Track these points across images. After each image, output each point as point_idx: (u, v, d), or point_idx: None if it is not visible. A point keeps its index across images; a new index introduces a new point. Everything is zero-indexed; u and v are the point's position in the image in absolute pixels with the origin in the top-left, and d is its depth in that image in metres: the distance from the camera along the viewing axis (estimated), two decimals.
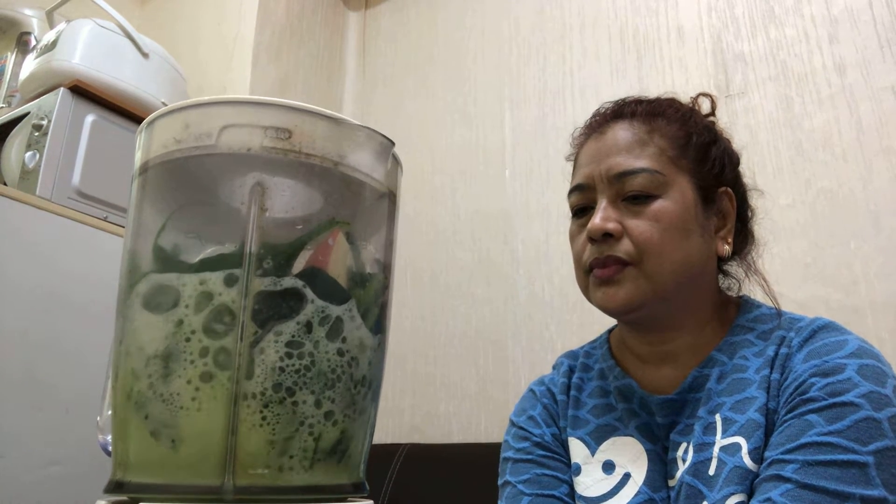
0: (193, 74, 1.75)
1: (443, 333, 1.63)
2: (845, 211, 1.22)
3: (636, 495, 0.66)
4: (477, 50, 1.83)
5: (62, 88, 1.32)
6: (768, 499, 0.54)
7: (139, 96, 1.45)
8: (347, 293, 0.34)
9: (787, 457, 0.56)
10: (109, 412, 0.42)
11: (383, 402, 0.36)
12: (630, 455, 0.70)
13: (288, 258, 0.33)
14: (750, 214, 0.78)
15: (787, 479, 0.55)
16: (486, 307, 1.58)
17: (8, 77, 1.57)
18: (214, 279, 0.32)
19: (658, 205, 0.68)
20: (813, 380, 0.60)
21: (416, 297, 1.69)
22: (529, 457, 0.75)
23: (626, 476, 0.68)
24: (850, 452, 0.54)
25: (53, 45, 1.39)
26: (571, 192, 0.74)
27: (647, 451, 0.69)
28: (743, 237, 0.77)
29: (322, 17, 2.03)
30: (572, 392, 0.78)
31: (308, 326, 0.32)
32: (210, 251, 0.33)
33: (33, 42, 1.58)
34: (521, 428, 0.78)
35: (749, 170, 1.34)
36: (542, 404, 0.79)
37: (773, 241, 1.27)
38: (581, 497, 0.70)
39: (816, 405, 0.58)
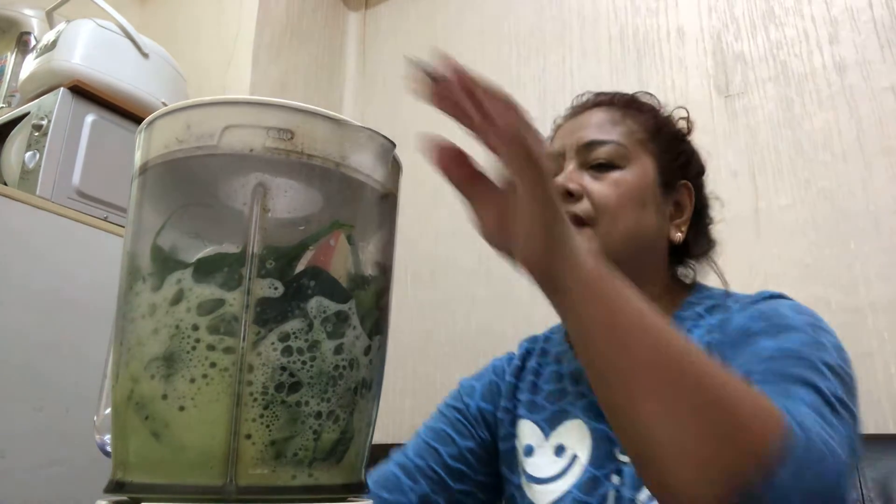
0: (193, 74, 1.74)
1: (443, 334, 1.63)
2: (845, 211, 1.22)
3: (582, 475, 0.69)
4: (477, 50, 1.83)
5: (62, 88, 1.32)
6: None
7: (139, 96, 1.45)
8: (348, 294, 0.34)
9: (746, 369, 0.56)
10: (107, 411, 0.42)
11: (383, 402, 0.36)
12: (577, 437, 0.72)
13: (290, 259, 0.33)
14: (708, 222, 0.82)
15: (751, 378, 0.55)
16: (486, 307, 1.58)
17: (8, 77, 1.57)
18: (216, 279, 0.32)
19: (619, 173, 0.73)
20: (754, 322, 0.62)
21: (416, 298, 1.69)
22: (447, 414, 0.81)
23: (574, 458, 0.71)
24: (806, 357, 0.55)
25: (53, 45, 1.39)
26: None
27: (591, 430, 0.71)
28: (706, 241, 0.81)
29: (322, 17, 2.03)
30: (529, 377, 0.81)
31: (309, 327, 0.32)
32: (210, 251, 0.33)
33: (33, 42, 1.58)
34: (459, 392, 0.84)
35: (749, 170, 1.34)
36: (490, 380, 0.84)
37: (773, 241, 1.27)
38: (532, 477, 0.73)
39: (763, 333, 0.59)
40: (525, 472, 0.74)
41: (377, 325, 0.37)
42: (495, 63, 1.78)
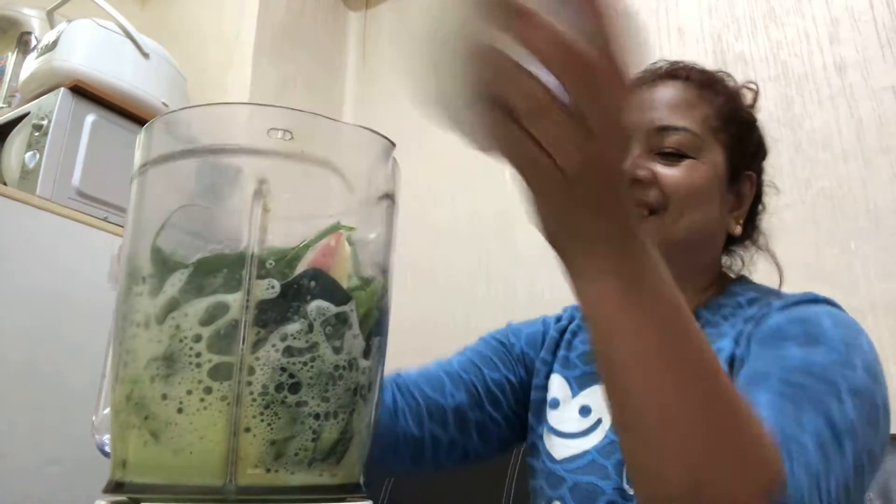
0: (193, 74, 1.74)
1: (443, 333, 1.63)
2: (845, 211, 1.22)
3: (603, 438, 0.70)
4: None
5: (62, 88, 1.32)
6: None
7: (139, 96, 1.45)
8: (348, 295, 0.34)
9: (766, 370, 0.55)
10: (105, 411, 0.42)
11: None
12: (603, 401, 0.72)
13: (290, 260, 0.33)
14: (761, 208, 0.81)
15: (768, 381, 0.53)
16: (486, 307, 1.58)
17: (8, 77, 1.57)
18: (216, 280, 0.32)
19: (691, 162, 0.69)
20: (789, 325, 0.60)
21: (416, 297, 1.69)
22: (492, 344, 0.83)
23: (599, 421, 0.71)
24: (829, 378, 0.53)
25: (54, 45, 1.39)
26: None
27: None
28: (752, 227, 0.80)
29: (322, 17, 2.03)
30: (567, 335, 0.82)
31: (309, 328, 0.32)
32: (210, 251, 0.33)
33: (34, 42, 1.58)
34: (507, 331, 0.85)
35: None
36: (536, 329, 0.84)
37: (774, 241, 1.27)
38: (553, 429, 0.74)
39: (793, 339, 0.57)
40: (548, 422, 0.76)
41: (377, 326, 0.37)
42: None
